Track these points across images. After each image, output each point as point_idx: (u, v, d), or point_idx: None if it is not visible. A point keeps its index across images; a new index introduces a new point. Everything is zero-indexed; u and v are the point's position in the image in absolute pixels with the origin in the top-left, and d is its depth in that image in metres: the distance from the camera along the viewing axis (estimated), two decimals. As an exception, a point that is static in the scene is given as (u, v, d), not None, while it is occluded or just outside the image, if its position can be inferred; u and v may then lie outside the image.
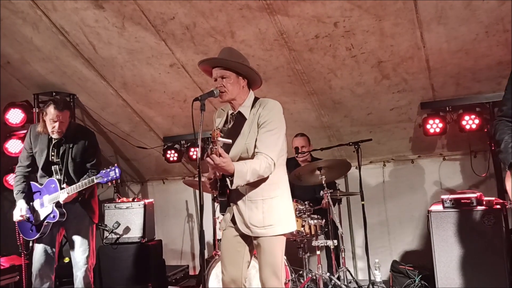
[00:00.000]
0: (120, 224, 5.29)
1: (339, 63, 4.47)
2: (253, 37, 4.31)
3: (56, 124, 3.82)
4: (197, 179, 2.96)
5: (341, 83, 4.72)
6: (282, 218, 2.92)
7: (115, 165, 3.76)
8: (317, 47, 4.31)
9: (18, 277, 4.93)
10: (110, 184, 3.79)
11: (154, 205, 5.76)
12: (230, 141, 2.57)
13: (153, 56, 4.77)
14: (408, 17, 3.91)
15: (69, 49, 4.85)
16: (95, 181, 3.74)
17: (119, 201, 5.62)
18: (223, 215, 3.11)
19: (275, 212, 2.89)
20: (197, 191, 5.96)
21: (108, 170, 3.73)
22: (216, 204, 5.12)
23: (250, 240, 2.97)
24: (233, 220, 2.95)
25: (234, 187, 2.71)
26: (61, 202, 3.79)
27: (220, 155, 2.57)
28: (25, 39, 4.82)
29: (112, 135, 6.05)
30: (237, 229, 2.94)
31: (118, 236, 5.24)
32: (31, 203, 3.95)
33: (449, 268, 4.09)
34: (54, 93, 5.51)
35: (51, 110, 3.80)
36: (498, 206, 4.02)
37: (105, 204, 5.47)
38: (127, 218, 5.35)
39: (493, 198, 4.17)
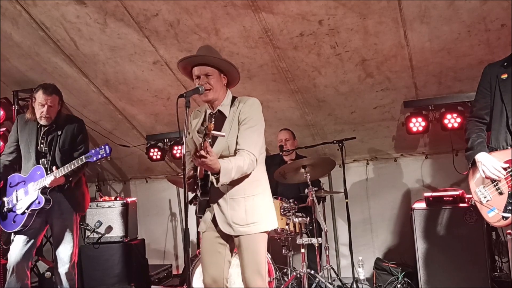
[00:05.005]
0: (102, 223, 5.22)
1: (323, 61, 4.48)
2: (238, 34, 4.29)
3: (44, 109, 3.77)
4: (181, 176, 2.92)
5: (325, 81, 4.73)
6: (264, 215, 2.92)
7: (106, 143, 3.65)
8: (302, 45, 4.31)
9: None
10: (99, 162, 3.69)
11: (136, 204, 5.72)
12: (224, 134, 2.52)
13: (136, 53, 4.71)
14: (392, 15, 3.94)
15: (50, 45, 4.75)
16: (84, 160, 3.62)
17: (101, 200, 5.55)
18: (200, 217, 3.07)
19: (257, 209, 2.88)
20: (181, 190, 5.94)
21: (98, 148, 3.63)
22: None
23: (231, 240, 2.95)
24: (213, 220, 2.92)
25: (219, 185, 2.69)
26: (48, 186, 3.67)
27: (207, 152, 2.51)
28: (4, 34, 4.71)
29: (94, 133, 5.96)
30: (218, 230, 2.91)
31: (100, 235, 5.17)
32: (13, 193, 3.84)
33: (431, 264, 4.14)
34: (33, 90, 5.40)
35: (39, 94, 3.78)
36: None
37: (87, 203, 5.38)
38: (109, 217, 5.29)
39: (474, 196, 4.22)
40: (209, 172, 2.77)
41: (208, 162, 2.54)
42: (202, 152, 2.49)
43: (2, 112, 5.36)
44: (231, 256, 3.03)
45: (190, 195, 2.95)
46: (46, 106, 3.78)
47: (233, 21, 4.16)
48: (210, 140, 2.48)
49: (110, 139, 6.00)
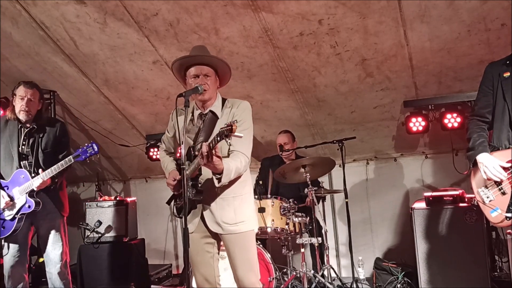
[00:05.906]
0: (102, 223, 5.21)
1: (323, 61, 4.47)
2: (237, 34, 4.28)
3: (24, 102, 3.74)
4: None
5: (325, 81, 4.72)
6: (251, 215, 3.01)
7: (92, 141, 3.63)
8: (302, 44, 4.30)
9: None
10: (88, 161, 3.64)
11: (136, 203, 5.71)
12: (242, 135, 2.54)
13: (135, 53, 4.70)
14: (392, 15, 3.93)
15: (50, 45, 4.75)
16: (73, 160, 3.60)
17: (101, 199, 5.54)
18: (180, 217, 3.09)
19: (245, 208, 2.95)
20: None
21: (85, 147, 3.60)
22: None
23: (218, 238, 3.00)
24: (202, 220, 2.93)
25: (220, 185, 2.73)
26: (35, 189, 3.65)
27: (215, 153, 2.54)
28: (3, 34, 4.70)
29: (94, 132, 5.96)
30: (207, 230, 2.94)
31: (99, 235, 5.16)
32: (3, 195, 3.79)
33: (431, 264, 4.13)
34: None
35: (20, 88, 3.77)
36: (480, 203, 4.08)
37: (86, 203, 5.38)
38: (109, 217, 5.28)
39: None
40: (201, 172, 2.83)
41: (217, 163, 2.58)
42: (215, 153, 2.52)
43: (1, 112, 5.36)
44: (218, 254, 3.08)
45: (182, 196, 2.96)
46: (26, 98, 3.74)
47: (232, 21, 4.15)
48: (230, 141, 2.49)
49: (110, 139, 6.00)
